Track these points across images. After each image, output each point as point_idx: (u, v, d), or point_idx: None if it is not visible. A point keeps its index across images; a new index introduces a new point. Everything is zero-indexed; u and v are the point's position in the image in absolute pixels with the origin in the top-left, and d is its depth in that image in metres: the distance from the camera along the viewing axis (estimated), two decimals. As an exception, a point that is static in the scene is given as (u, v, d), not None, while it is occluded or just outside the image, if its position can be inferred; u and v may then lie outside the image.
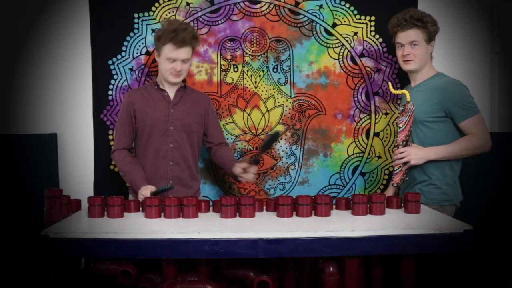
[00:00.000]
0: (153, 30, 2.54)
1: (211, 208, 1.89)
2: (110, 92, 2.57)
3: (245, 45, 2.60)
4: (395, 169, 2.14)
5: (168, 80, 2.25)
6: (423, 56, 2.18)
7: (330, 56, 2.63)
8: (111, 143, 2.57)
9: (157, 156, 2.26)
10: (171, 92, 2.30)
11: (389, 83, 2.21)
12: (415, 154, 2.05)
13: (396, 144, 2.13)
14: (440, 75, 2.23)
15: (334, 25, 2.62)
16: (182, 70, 2.22)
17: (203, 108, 2.37)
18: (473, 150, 2.10)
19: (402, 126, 2.06)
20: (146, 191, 2.09)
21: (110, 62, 2.56)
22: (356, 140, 2.66)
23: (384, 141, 2.66)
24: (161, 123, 2.26)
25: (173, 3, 2.56)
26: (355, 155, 2.67)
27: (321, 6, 2.61)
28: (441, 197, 2.16)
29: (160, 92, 2.30)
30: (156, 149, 2.26)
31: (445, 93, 2.12)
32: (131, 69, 2.57)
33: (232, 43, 2.60)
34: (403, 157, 2.07)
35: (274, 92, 2.63)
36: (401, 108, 2.08)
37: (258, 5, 2.60)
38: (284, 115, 2.64)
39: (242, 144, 2.64)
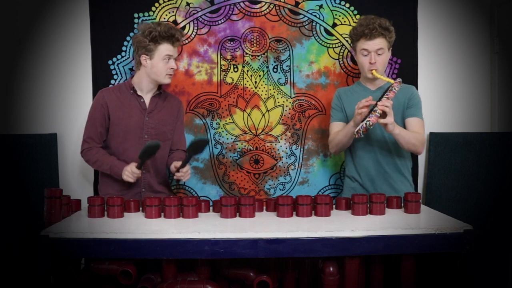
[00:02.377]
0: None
1: (211, 208, 1.89)
2: (110, 92, 2.57)
3: (245, 45, 2.60)
4: (376, 112, 1.96)
5: (163, 82, 2.23)
6: (385, 63, 2.24)
7: (330, 56, 2.63)
8: (111, 143, 2.57)
9: (128, 164, 2.21)
10: (147, 98, 2.27)
11: (373, 70, 2.17)
12: (393, 117, 2.02)
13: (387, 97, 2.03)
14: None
15: (334, 25, 2.62)
16: (174, 68, 2.23)
17: (176, 113, 2.35)
18: (418, 144, 2.14)
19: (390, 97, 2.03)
20: (130, 166, 2.11)
21: (110, 62, 2.56)
22: (356, 140, 2.66)
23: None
24: (135, 131, 2.23)
25: (173, 3, 2.56)
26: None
27: (321, 6, 2.61)
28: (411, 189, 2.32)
29: (136, 98, 2.25)
30: (130, 156, 2.21)
31: (411, 94, 2.23)
32: (131, 69, 2.57)
33: (232, 43, 2.60)
34: (388, 107, 1.97)
35: (274, 92, 2.63)
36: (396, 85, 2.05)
37: (258, 5, 2.60)
38: (284, 115, 2.64)
39: (242, 144, 2.64)
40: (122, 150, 2.23)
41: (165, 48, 2.18)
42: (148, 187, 2.26)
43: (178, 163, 2.18)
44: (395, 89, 2.03)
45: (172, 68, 2.21)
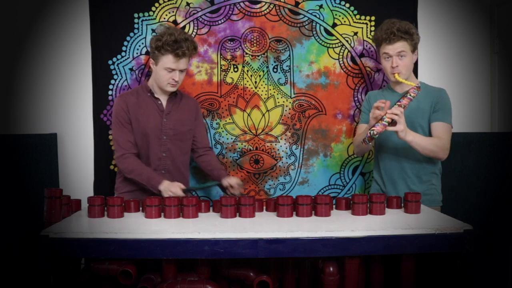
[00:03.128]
0: (153, 30, 2.54)
1: (211, 208, 1.89)
2: (110, 92, 2.57)
3: (245, 45, 2.60)
4: (384, 120, 1.94)
5: (165, 89, 2.22)
6: (409, 66, 2.22)
7: (330, 56, 2.63)
8: (111, 143, 2.57)
9: (150, 165, 2.23)
10: (164, 99, 2.27)
11: (395, 74, 2.17)
12: (404, 124, 2.00)
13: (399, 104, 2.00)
14: (423, 83, 2.28)
15: (334, 25, 2.62)
16: (179, 80, 2.21)
17: (194, 114, 2.35)
18: (437, 150, 2.11)
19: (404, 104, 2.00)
20: (174, 188, 2.10)
21: (110, 62, 2.56)
22: (356, 140, 2.65)
23: (384, 141, 2.66)
24: (154, 132, 2.23)
25: (173, 3, 2.56)
26: (355, 155, 2.67)
27: (321, 6, 2.61)
28: (440, 198, 2.26)
29: (154, 100, 2.26)
30: (149, 157, 2.24)
31: (439, 97, 2.19)
32: (131, 69, 2.57)
33: (232, 43, 2.60)
34: (397, 115, 1.94)
35: (274, 92, 2.63)
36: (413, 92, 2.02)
37: (258, 5, 2.60)
38: (284, 115, 2.64)
39: (242, 144, 2.64)
40: (142, 152, 2.24)
41: (167, 60, 2.14)
42: None
43: (232, 180, 2.27)
44: (410, 95, 1.99)
45: (173, 79, 2.18)
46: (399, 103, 1.99)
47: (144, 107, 2.24)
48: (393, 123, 1.96)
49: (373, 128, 1.94)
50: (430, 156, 2.13)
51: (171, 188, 2.11)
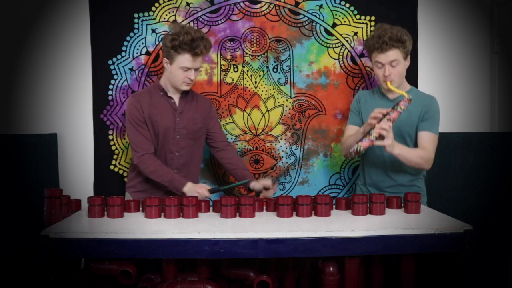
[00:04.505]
0: (153, 30, 2.54)
1: (211, 208, 1.89)
2: (110, 92, 2.57)
3: (245, 45, 2.60)
4: (372, 135, 1.96)
5: (179, 88, 2.21)
6: (402, 73, 2.18)
7: (330, 56, 2.63)
8: (111, 143, 2.57)
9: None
10: (176, 98, 2.26)
11: (387, 82, 2.14)
12: (392, 139, 2.00)
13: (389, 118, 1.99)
14: (414, 89, 2.27)
15: (334, 25, 2.62)
16: (195, 78, 2.20)
17: (206, 112, 2.34)
18: (422, 163, 2.11)
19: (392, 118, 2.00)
20: (202, 189, 2.10)
21: (110, 62, 2.56)
22: (356, 140, 2.65)
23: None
24: (168, 132, 2.22)
25: (173, 3, 2.56)
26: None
27: (321, 6, 2.61)
28: (425, 199, 2.26)
29: (167, 99, 2.24)
30: (162, 156, 2.23)
31: (428, 106, 2.17)
32: (131, 69, 2.57)
33: (232, 43, 2.60)
34: (386, 130, 1.95)
35: (274, 92, 2.63)
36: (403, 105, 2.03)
37: (258, 5, 2.60)
38: (284, 115, 2.64)
39: (242, 144, 2.64)
40: (155, 152, 2.22)
41: (184, 59, 2.13)
42: None
43: (265, 182, 2.23)
44: (400, 107, 1.98)
45: (189, 78, 2.17)
46: (388, 117, 1.98)
47: (158, 106, 2.22)
48: (381, 137, 1.97)
49: (359, 144, 1.96)
50: (415, 167, 2.14)
51: (197, 190, 2.10)
